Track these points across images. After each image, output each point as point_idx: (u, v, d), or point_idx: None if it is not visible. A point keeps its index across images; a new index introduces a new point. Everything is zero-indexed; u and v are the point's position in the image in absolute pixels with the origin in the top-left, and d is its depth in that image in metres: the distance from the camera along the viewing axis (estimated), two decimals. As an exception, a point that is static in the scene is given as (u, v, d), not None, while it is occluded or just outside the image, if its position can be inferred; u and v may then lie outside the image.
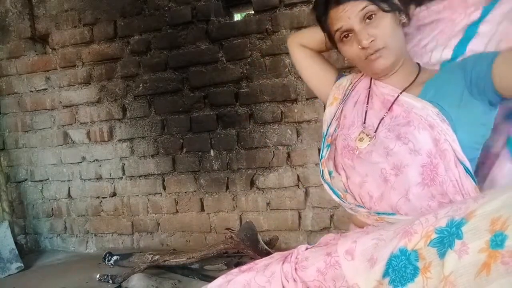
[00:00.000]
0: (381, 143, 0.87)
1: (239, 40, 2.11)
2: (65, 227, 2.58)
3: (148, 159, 2.34)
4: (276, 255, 0.91)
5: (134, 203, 2.40)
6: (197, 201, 2.26)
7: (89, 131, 2.45)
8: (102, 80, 2.40)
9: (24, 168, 2.64)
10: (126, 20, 2.31)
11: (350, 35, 0.90)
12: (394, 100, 0.90)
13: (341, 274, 0.73)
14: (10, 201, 2.59)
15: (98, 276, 1.87)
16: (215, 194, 2.22)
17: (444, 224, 0.59)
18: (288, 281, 0.80)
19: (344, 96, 1.03)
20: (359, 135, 0.92)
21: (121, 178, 2.41)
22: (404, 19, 0.93)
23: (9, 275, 2.16)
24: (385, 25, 0.88)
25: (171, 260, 1.84)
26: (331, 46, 1.05)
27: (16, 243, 2.32)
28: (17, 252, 2.27)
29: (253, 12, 2.10)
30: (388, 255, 0.65)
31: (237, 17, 2.28)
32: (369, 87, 0.99)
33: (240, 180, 2.16)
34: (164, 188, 2.32)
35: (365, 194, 0.90)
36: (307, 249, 0.86)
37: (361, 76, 1.04)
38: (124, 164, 2.40)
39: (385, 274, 0.65)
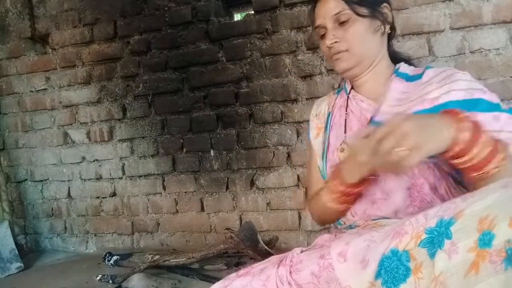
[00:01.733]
0: None
1: (239, 40, 2.11)
2: (65, 227, 2.58)
3: (148, 159, 2.34)
4: (273, 258, 0.91)
5: (134, 203, 2.40)
6: (197, 201, 2.26)
7: (89, 131, 2.46)
8: (102, 80, 2.40)
9: (24, 168, 2.64)
10: (126, 20, 2.31)
11: (325, 32, 0.94)
12: (370, 119, 0.91)
13: (334, 276, 0.73)
14: (10, 201, 2.59)
15: (98, 276, 1.87)
16: (215, 194, 2.22)
17: (434, 224, 0.59)
18: (283, 284, 0.80)
19: (326, 125, 1.04)
20: (341, 145, 0.94)
21: (121, 178, 2.41)
22: (386, 28, 0.94)
23: (9, 275, 2.16)
24: (355, 30, 0.90)
25: (171, 260, 1.84)
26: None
27: (16, 243, 2.32)
28: (17, 252, 2.27)
29: (253, 12, 2.10)
30: (380, 256, 0.65)
31: (237, 17, 2.28)
32: (346, 100, 1.01)
33: (240, 180, 2.16)
34: (164, 188, 2.32)
35: (352, 211, 0.92)
36: (302, 251, 0.86)
37: (336, 99, 1.06)
38: (124, 164, 2.40)
39: (378, 275, 0.65)
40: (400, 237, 0.63)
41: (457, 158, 0.70)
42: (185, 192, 2.28)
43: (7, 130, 2.65)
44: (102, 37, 2.37)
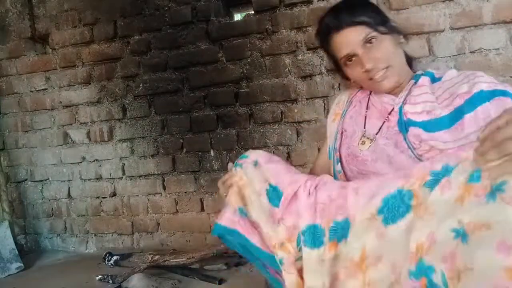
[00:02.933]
0: (383, 150, 0.93)
1: (239, 40, 2.11)
2: (65, 227, 2.58)
3: (148, 159, 2.34)
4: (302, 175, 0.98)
5: (134, 203, 2.40)
6: (197, 201, 2.26)
7: (89, 131, 2.45)
8: (102, 80, 2.40)
9: (24, 168, 2.64)
10: (126, 20, 2.31)
11: (353, 58, 0.96)
12: (391, 111, 0.97)
13: (344, 205, 0.80)
14: (10, 201, 2.59)
15: (98, 276, 1.87)
16: (215, 194, 2.22)
17: (440, 168, 0.65)
18: (304, 191, 0.88)
19: (343, 111, 1.10)
20: (361, 139, 0.99)
21: (121, 178, 2.41)
22: (402, 39, 1.00)
23: (9, 275, 2.16)
24: (386, 46, 0.94)
25: (171, 260, 1.84)
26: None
27: (16, 243, 2.33)
28: (17, 252, 2.27)
29: (253, 12, 2.10)
30: (386, 193, 0.72)
31: (237, 17, 2.28)
32: (368, 96, 1.06)
33: (240, 180, 2.16)
34: (164, 188, 2.32)
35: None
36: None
37: (358, 91, 1.11)
38: (124, 164, 2.40)
39: (380, 211, 0.72)
40: (407, 178, 0.70)
41: None
42: (185, 192, 2.28)
43: (7, 130, 2.65)
44: (102, 37, 2.37)
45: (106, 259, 2.10)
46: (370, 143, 0.96)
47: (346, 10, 0.97)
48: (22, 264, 2.23)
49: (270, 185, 0.94)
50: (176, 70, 2.24)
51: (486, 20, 1.71)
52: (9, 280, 2.10)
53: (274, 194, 0.91)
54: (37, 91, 2.56)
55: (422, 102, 0.92)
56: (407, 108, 0.93)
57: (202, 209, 2.25)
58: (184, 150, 2.26)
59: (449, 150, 0.82)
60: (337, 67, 1.05)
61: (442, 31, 1.79)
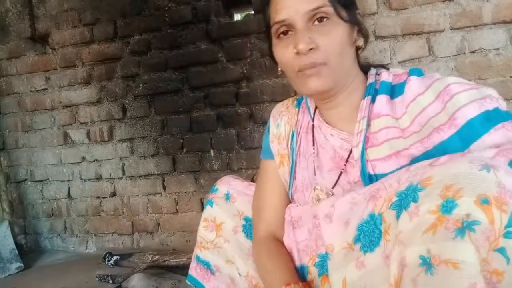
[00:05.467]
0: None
1: (239, 40, 2.10)
2: (65, 227, 2.58)
3: (148, 159, 2.34)
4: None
5: (134, 203, 2.40)
6: (197, 201, 2.26)
7: (89, 131, 2.45)
8: (102, 80, 2.40)
9: (24, 168, 2.64)
10: (126, 20, 2.31)
11: (290, 32, 0.72)
12: (348, 157, 0.77)
13: (321, 235, 0.76)
14: (10, 201, 2.59)
15: (98, 276, 1.86)
16: (215, 194, 2.22)
17: (404, 188, 0.61)
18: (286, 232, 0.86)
19: (290, 149, 0.89)
20: (315, 191, 0.82)
21: (121, 178, 2.41)
22: (361, 41, 0.76)
23: (9, 275, 2.16)
24: (336, 36, 0.69)
25: (171, 260, 1.84)
26: None
27: (16, 243, 2.32)
28: (17, 252, 2.27)
29: (253, 12, 2.10)
30: (360, 219, 0.67)
31: (237, 17, 2.28)
32: (312, 124, 0.85)
33: (240, 180, 2.16)
34: (164, 188, 2.32)
35: None
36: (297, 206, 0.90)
37: (298, 115, 0.91)
38: (124, 164, 2.40)
39: (357, 240, 0.67)
40: (376, 201, 0.65)
41: None
42: (185, 192, 2.28)
43: (7, 130, 2.65)
44: (102, 37, 2.37)
45: (106, 259, 2.10)
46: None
47: None
48: (22, 264, 2.23)
49: (246, 219, 0.94)
50: (176, 70, 2.24)
51: (486, 20, 1.71)
52: (9, 280, 2.10)
53: (252, 229, 0.92)
54: (37, 91, 2.56)
55: (385, 141, 0.72)
56: (370, 153, 0.73)
57: (202, 209, 2.25)
58: (184, 150, 2.26)
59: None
60: (269, 40, 0.79)
61: (442, 31, 1.79)
